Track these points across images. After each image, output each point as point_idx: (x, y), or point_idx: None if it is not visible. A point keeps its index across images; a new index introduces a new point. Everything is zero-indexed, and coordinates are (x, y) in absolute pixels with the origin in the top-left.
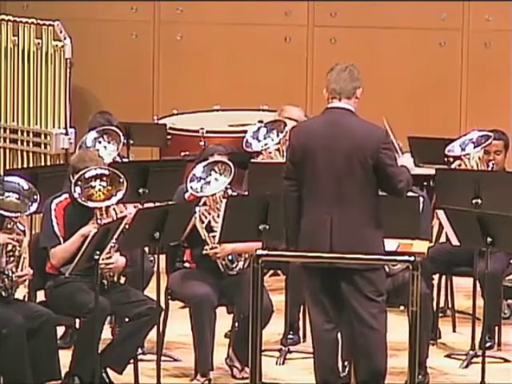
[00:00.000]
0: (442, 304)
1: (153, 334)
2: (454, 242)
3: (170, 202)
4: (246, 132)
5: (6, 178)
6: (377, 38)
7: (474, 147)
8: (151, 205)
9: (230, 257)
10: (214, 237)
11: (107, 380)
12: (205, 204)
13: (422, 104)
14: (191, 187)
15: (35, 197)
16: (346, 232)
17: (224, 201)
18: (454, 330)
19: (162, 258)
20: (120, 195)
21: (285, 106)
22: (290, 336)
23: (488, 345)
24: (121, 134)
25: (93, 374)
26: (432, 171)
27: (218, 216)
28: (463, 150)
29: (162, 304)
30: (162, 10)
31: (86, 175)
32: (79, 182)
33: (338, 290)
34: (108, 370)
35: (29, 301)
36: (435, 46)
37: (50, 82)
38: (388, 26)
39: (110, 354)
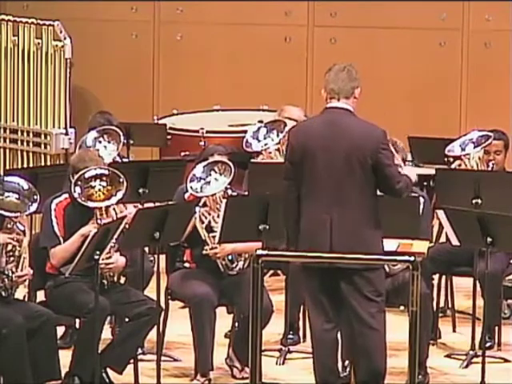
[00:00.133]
0: (442, 304)
1: (153, 334)
2: (454, 241)
3: (169, 202)
4: (245, 132)
5: (6, 178)
6: (377, 38)
7: (474, 147)
8: (151, 205)
9: (229, 257)
10: (213, 237)
11: (107, 380)
12: (205, 204)
13: (421, 104)
14: (191, 187)
15: (35, 197)
16: (346, 232)
17: (224, 201)
18: (454, 330)
19: (162, 258)
20: (120, 195)
21: (285, 106)
22: (290, 336)
23: (488, 345)
24: (121, 133)
25: (93, 374)
26: (432, 171)
27: (218, 216)
28: (463, 150)
29: (162, 304)
30: (162, 10)
31: (86, 175)
32: (79, 182)
33: (338, 290)
34: (108, 369)
35: (29, 301)
36: (435, 46)
37: (50, 82)
38: (388, 25)
39: (110, 353)
